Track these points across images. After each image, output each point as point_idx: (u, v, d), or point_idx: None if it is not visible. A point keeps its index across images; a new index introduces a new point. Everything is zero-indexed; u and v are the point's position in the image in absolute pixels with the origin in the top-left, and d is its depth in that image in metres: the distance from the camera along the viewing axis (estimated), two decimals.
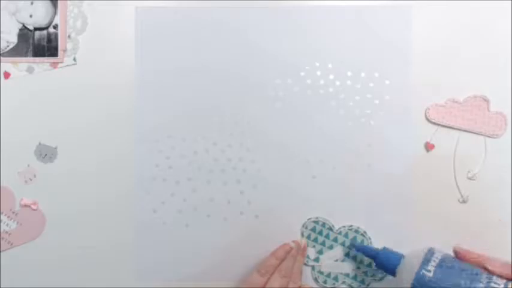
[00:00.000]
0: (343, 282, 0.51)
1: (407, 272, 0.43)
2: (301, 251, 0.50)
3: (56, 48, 0.53)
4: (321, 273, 0.51)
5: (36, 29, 0.53)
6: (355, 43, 0.52)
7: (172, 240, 0.52)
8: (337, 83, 0.52)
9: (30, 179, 0.52)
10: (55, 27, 0.53)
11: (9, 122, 0.52)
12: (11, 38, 0.53)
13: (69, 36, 0.53)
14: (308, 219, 0.51)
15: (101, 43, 0.53)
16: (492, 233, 0.51)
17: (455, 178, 0.51)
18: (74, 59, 0.53)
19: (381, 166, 0.51)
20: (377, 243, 0.51)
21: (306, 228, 0.51)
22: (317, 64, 0.52)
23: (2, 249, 0.52)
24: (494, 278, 0.39)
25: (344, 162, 0.52)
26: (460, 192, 0.51)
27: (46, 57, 0.53)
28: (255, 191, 0.52)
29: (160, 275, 0.52)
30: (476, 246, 0.50)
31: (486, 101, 0.51)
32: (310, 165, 0.52)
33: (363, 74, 0.52)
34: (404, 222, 0.51)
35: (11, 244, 0.52)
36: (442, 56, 0.52)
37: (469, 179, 0.51)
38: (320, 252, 0.51)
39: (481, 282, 0.38)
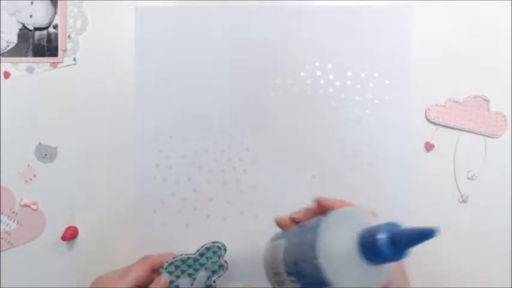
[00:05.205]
0: None
1: None
2: None
3: (56, 48, 0.53)
4: None
5: (36, 29, 0.53)
6: (355, 43, 0.52)
7: (172, 240, 0.52)
8: (337, 83, 0.52)
9: (30, 179, 0.52)
10: (55, 27, 0.53)
11: (9, 122, 0.52)
12: (11, 38, 0.53)
13: (69, 36, 0.53)
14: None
15: (101, 43, 0.53)
16: (492, 233, 0.51)
17: (455, 178, 0.51)
18: (74, 59, 0.53)
19: (381, 166, 0.51)
20: None
21: None
22: (317, 64, 0.52)
23: (2, 249, 0.52)
24: None
25: (344, 162, 0.52)
26: (460, 192, 0.51)
27: (46, 57, 0.53)
28: (255, 191, 0.52)
29: None
30: (476, 246, 0.51)
31: (486, 101, 0.51)
32: (310, 165, 0.52)
33: (363, 74, 0.52)
34: (404, 222, 0.51)
35: (11, 244, 0.52)
36: (442, 56, 0.51)
37: (469, 179, 0.51)
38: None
39: None
